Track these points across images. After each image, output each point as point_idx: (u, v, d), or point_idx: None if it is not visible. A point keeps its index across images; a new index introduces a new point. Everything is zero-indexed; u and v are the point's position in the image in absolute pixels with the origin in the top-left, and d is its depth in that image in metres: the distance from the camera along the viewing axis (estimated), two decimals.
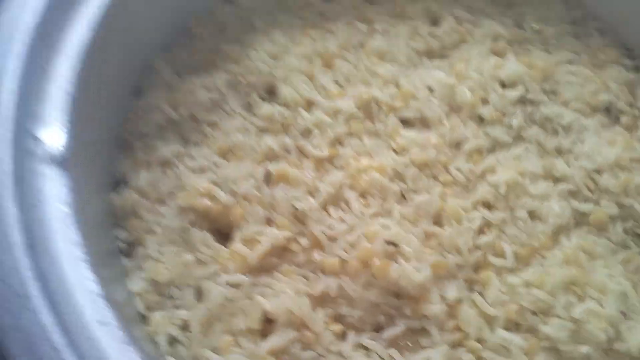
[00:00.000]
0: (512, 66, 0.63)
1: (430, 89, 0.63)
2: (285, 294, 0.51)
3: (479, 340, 0.51)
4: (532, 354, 0.50)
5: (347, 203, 0.56)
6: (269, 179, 0.57)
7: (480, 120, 0.62)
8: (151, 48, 0.65)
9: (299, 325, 0.50)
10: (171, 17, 0.67)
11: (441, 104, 0.62)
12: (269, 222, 0.55)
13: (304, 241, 0.54)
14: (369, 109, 0.62)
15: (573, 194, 0.58)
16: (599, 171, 0.58)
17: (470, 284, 0.54)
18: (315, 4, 0.72)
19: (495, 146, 0.60)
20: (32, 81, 0.45)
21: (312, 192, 0.56)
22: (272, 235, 0.53)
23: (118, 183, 0.60)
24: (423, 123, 0.62)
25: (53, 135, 0.44)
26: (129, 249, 0.56)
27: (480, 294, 0.53)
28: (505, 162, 0.59)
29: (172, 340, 0.51)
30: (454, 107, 0.62)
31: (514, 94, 0.62)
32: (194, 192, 0.56)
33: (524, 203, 0.56)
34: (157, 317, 0.52)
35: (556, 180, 0.58)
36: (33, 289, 0.38)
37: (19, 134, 0.43)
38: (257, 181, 0.57)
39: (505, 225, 0.56)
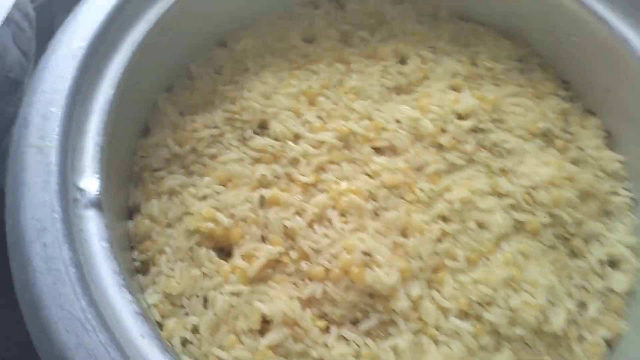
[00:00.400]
0: (467, 100, 0.70)
1: (398, 122, 0.69)
2: (279, 299, 0.57)
3: (437, 328, 0.58)
4: (478, 336, 0.57)
5: (329, 221, 0.62)
6: (262, 203, 0.63)
7: (440, 147, 0.68)
8: (156, 90, 0.71)
9: (291, 323, 0.56)
10: (173, 61, 0.72)
11: (407, 134, 0.68)
12: (264, 239, 0.61)
13: (293, 254, 0.60)
14: (347, 140, 0.68)
15: (514, 207, 0.65)
16: (535, 188, 0.65)
17: (430, 283, 0.60)
18: (299, 46, 0.77)
19: (452, 169, 0.67)
20: (70, 138, 0.51)
21: (300, 213, 0.62)
22: (267, 251, 0.59)
23: (132, 211, 0.65)
24: (392, 150, 0.68)
25: (90, 182, 0.51)
26: (144, 268, 0.62)
27: (438, 291, 0.60)
28: (460, 182, 0.66)
29: (185, 342, 0.57)
30: (418, 137, 0.69)
31: (467, 123, 0.69)
32: (199, 216, 0.61)
33: (473, 216, 0.63)
34: (171, 323, 0.57)
35: (500, 196, 0.65)
36: (88, 314, 0.44)
37: (63, 185, 0.49)
38: (252, 205, 0.62)
39: (459, 235, 0.63)
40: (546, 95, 0.76)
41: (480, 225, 0.64)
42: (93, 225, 0.50)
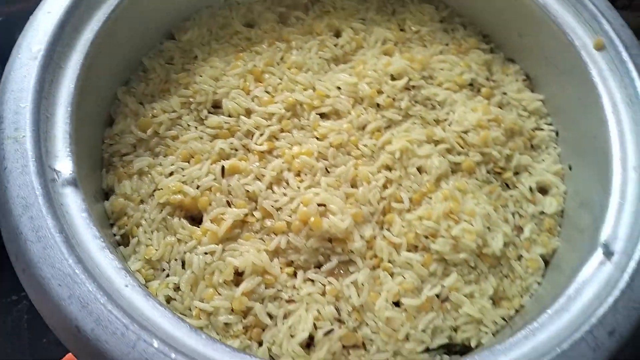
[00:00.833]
0: (397, 62, 0.76)
1: (339, 88, 0.75)
2: (248, 253, 0.62)
3: (390, 262, 0.64)
4: (428, 265, 0.64)
5: (286, 182, 0.68)
6: (224, 172, 0.68)
7: (378, 106, 0.75)
8: (115, 84, 0.75)
9: (262, 272, 0.62)
10: (127, 57, 0.77)
11: (348, 98, 0.74)
12: (229, 204, 0.66)
13: (257, 214, 0.65)
14: (294, 110, 0.73)
15: (449, 151, 0.72)
16: (466, 132, 0.73)
17: (381, 225, 0.67)
18: (242, 31, 0.82)
19: (390, 124, 0.74)
20: (40, 128, 0.57)
21: (259, 178, 0.68)
22: (233, 214, 0.65)
23: (107, 194, 0.70)
24: (336, 114, 0.74)
25: (64, 164, 0.57)
26: (124, 241, 0.66)
27: (388, 229, 0.66)
28: (398, 135, 0.72)
29: (169, 299, 0.62)
30: (357, 100, 0.75)
31: (400, 83, 0.75)
32: (168, 190, 0.66)
33: (413, 162, 0.70)
34: (154, 284, 0.62)
35: (436, 142, 0.72)
36: (76, 269, 0.49)
37: (40, 168, 0.54)
38: (215, 176, 0.67)
39: (402, 180, 0.69)
40: (469, 50, 0.83)
41: (420, 170, 0.71)
42: (71, 200, 0.56)
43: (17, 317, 0.92)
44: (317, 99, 0.74)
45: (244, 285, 0.62)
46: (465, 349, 0.64)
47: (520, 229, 0.71)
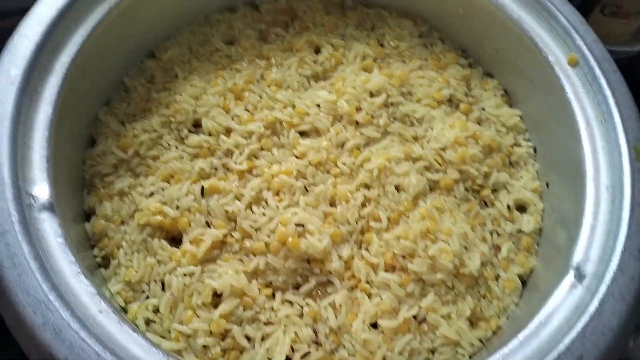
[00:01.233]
0: (376, 79, 0.76)
1: (318, 106, 0.75)
2: (227, 274, 0.63)
3: (368, 282, 0.65)
4: (405, 285, 0.64)
5: (265, 201, 0.68)
6: (203, 192, 0.68)
7: (357, 124, 0.75)
8: (97, 104, 0.76)
9: (240, 294, 0.62)
10: (108, 77, 0.77)
11: (327, 116, 0.75)
12: (209, 224, 0.67)
13: (236, 234, 0.66)
14: (274, 128, 0.74)
15: (427, 168, 0.72)
16: (444, 149, 0.73)
17: (359, 244, 0.67)
18: (222, 49, 0.83)
19: (369, 142, 0.74)
20: (18, 153, 0.57)
21: (238, 197, 0.68)
22: (212, 234, 0.65)
23: (88, 215, 0.70)
24: (315, 132, 0.74)
25: (40, 189, 0.57)
26: (105, 262, 0.67)
27: (366, 249, 0.67)
28: (377, 152, 0.72)
29: (148, 321, 0.62)
30: (336, 117, 0.75)
31: (379, 100, 0.75)
32: (148, 211, 0.66)
33: (392, 180, 0.70)
34: (134, 307, 0.62)
35: (414, 160, 0.72)
36: (50, 296, 0.50)
37: (17, 194, 0.55)
38: (195, 196, 0.68)
39: (380, 199, 0.69)
40: (448, 65, 0.84)
41: (398, 188, 0.71)
42: (48, 225, 0.56)
43: None
44: (296, 116, 0.75)
45: (222, 308, 0.62)
46: None
47: (498, 248, 0.71)
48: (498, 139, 0.77)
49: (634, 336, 0.67)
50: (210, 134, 0.74)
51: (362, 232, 0.69)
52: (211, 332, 0.61)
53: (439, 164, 0.73)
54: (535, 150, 0.79)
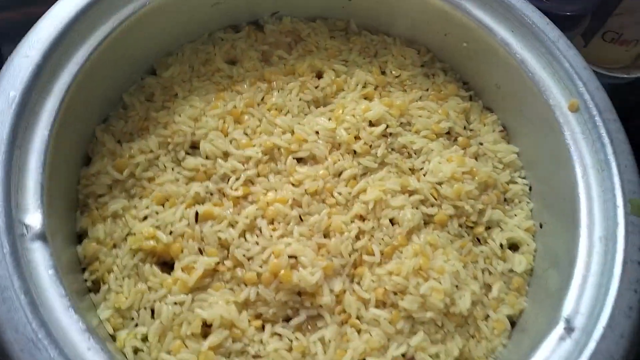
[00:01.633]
0: (376, 108, 0.76)
1: (317, 133, 0.74)
2: (217, 304, 0.62)
3: (358, 317, 0.64)
4: (395, 322, 0.63)
5: (259, 229, 0.67)
6: (197, 218, 0.67)
7: (354, 153, 0.74)
8: (94, 121, 0.75)
9: (229, 325, 0.61)
10: (107, 94, 0.76)
11: (325, 144, 0.74)
12: (201, 251, 0.66)
13: (228, 263, 0.65)
14: (272, 154, 0.73)
15: (422, 202, 0.72)
16: (440, 183, 0.73)
17: (351, 277, 0.66)
18: (223, 69, 0.82)
19: (366, 172, 0.73)
20: (12, 179, 0.57)
21: (232, 224, 0.67)
22: (204, 262, 0.64)
23: (81, 236, 0.69)
24: (313, 160, 0.73)
25: (34, 218, 0.56)
26: (95, 287, 0.66)
27: (358, 283, 0.66)
28: (373, 183, 0.71)
29: (137, 350, 0.61)
30: (335, 145, 0.74)
31: (378, 130, 0.74)
32: (140, 236, 0.66)
33: (386, 213, 0.69)
34: (122, 334, 0.61)
35: (410, 193, 0.72)
36: (39, 334, 0.50)
37: (9, 223, 0.54)
38: (189, 221, 0.67)
39: (374, 231, 0.68)
40: (449, 97, 0.83)
41: (393, 221, 0.71)
42: (39, 256, 0.55)
43: None
44: (295, 142, 0.74)
45: (211, 339, 0.61)
46: None
47: (489, 287, 0.71)
48: (494, 176, 0.77)
49: None
50: (207, 157, 0.72)
51: (355, 266, 0.68)
52: None
53: (435, 198, 0.73)
54: (530, 188, 0.79)
